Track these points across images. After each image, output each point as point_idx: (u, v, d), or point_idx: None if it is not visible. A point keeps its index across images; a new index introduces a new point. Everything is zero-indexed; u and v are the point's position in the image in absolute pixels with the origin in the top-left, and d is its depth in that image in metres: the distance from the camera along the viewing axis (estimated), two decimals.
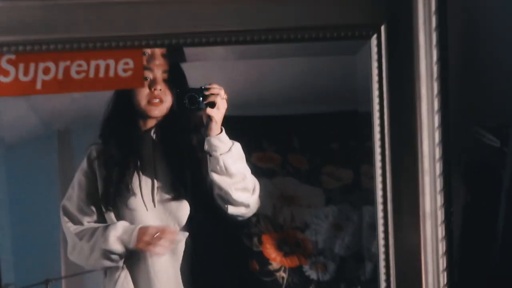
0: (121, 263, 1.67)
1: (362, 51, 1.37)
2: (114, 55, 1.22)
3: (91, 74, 1.23)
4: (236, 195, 1.65)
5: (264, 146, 3.96)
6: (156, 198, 1.66)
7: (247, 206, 1.69)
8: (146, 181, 1.68)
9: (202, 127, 1.62)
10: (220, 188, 1.62)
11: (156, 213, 1.65)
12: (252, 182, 1.71)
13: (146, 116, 1.70)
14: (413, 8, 1.21)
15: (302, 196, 3.90)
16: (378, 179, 1.19)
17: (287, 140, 3.88)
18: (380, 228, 1.22)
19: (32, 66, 1.19)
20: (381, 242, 1.21)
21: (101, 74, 1.23)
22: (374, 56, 1.21)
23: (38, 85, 1.20)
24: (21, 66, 1.18)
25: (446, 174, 1.19)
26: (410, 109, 1.18)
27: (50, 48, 1.16)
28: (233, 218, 1.69)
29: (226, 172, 1.61)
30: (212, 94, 1.60)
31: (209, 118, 1.60)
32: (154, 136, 1.70)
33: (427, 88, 1.17)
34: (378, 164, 1.20)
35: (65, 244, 3.36)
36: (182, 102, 1.61)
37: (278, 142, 3.91)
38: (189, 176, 1.71)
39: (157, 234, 1.61)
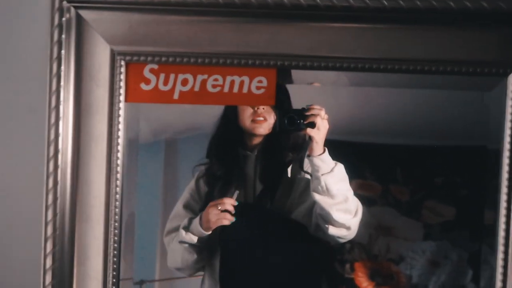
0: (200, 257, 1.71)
1: (497, 88, 1.34)
2: (249, 72, 1.26)
3: (226, 89, 1.27)
4: (338, 216, 1.63)
5: (366, 174, 3.93)
6: None
7: (348, 228, 1.67)
8: (246, 199, 1.71)
9: (303, 147, 1.64)
10: (322, 209, 1.62)
11: None
12: (355, 205, 1.70)
13: (251, 134, 1.73)
14: None
15: (400, 228, 3.82)
16: (502, 219, 1.16)
17: (389, 170, 3.83)
18: (500, 262, 1.17)
19: (172, 76, 1.25)
20: (499, 277, 1.16)
21: (235, 89, 1.27)
22: (510, 95, 1.17)
23: (176, 95, 1.25)
24: (162, 76, 1.24)
25: None
26: None
27: (190, 61, 1.21)
28: (334, 240, 1.68)
29: (327, 193, 1.60)
30: (312, 114, 1.61)
31: (310, 138, 1.61)
32: (258, 155, 1.73)
33: None
34: (503, 204, 1.16)
35: (161, 249, 3.47)
36: (283, 123, 1.63)
37: (381, 172, 3.86)
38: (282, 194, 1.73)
39: (219, 205, 1.62)
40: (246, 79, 1.20)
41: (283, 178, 1.70)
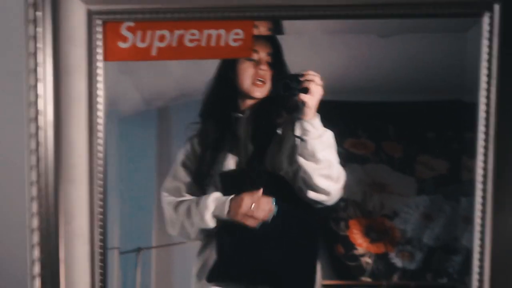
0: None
1: (473, 29, 1.33)
2: (225, 26, 1.26)
3: (203, 43, 1.27)
4: (319, 181, 1.64)
5: (358, 132, 3.93)
6: None
7: (327, 193, 1.68)
8: (238, 159, 1.71)
9: (297, 111, 1.63)
10: (305, 172, 1.63)
11: None
12: (338, 172, 1.70)
13: (247, 97, 1.72)
14: None
15: (393, 184, 3.84)
16: (480, 165, 1.16)
17: (382, 127, 3.84)
18: (478, 221, 1.18)
19: (149, 33, 1.24)
20: (477, 228, 1.18)
21: (213, 43, 1.27)
22: (486, 35, 1.17)
23: (153, 52, 1.25)
24: (139, 33, 1.24)
25: None
26: None
27: (166, 17, 1.21)
28: (312, 204, 1.68)
29: (313, 157, 1.61)
30: (306, 80, 1.61)
31: (303, 103, 1.61)
32: (249, 117, 1.73)
33: None
34: (480, 150, 1.17)
35: (158, 216, 3.49)
36: (278, 88, 1.63)
37: (373, 129, 3.87)
38: (274, 158, 1.72)
39: (253, 205, 1.63)
40: (223, 32, 1.20)
41: (273, 139, 1.71)
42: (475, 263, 1.18)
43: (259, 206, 1.59)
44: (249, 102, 1.72)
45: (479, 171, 1.15)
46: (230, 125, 1.73)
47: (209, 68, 1.76)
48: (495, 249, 1.18)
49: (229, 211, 1.62)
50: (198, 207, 1.66)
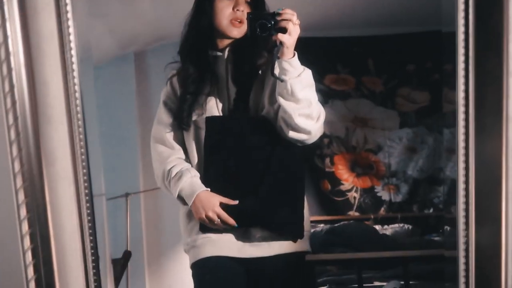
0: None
1: None
2: None
3: None
4: (299, 120, 1.61)
5: (338, 68, 3.93)
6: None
7: (308, 133, 1.65)
8: (220, 100, 1.68)
9: (274, 51, 1.60)
10: (285, 112, 1.61)
11: None
12: (318, 110, 1.67)
13: (224, 36, 1.69)
14: None
15: (376, 118, 3.87)
16: (461, 80, 1.16)
17: (361, 62, 3.84)
18: (461, 137, 1.19)
19: None
20: (461, 144, 1.18)
21: None
22: None
23: None
24: None
25: None
26: (497, 9, 1.13)
27: None
28: (293, 143, 1.67)
29: (292, 97, 1.58)
30: (283, 19, 1.57)
31: (281, 43, 1.57)
32: (228, 56, 1.70)
33: None
34: (461, 65, 1.16)
35: (143, 160, 3.50)
36: (254, 28, 1.58)
37: (352, 64, 3.87)
38: (256, 97, 1.70)
39: (217, 221, 1.64)
40: None
41: (255, 80, 1.68)
42: (460, 192, 1.18)
43: (224, 221, 1.60)
44: (227, 41, 1.68)
45: (461, 100, 1.14)
46: (209, 64, 1.69)
47: (181, 9, 1.72)
48: (479, 176, 1.18)
49: (192, 206, 1.63)
50: (177, 181, 1.65)
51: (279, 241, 1.62)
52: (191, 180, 1.60)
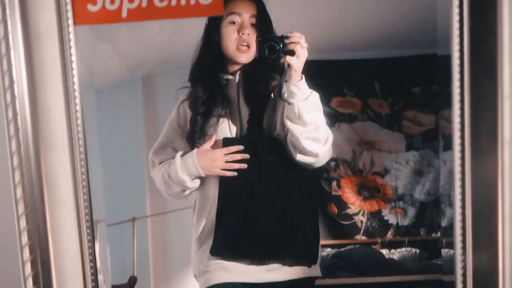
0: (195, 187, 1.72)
1: None
2: None
3: (173, 2, 1.25)
4: (306, 143, 1.62)
5: (345, 91, 3.94)
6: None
7: (315, 156, 1.66)
8: (233, 123, 1.70)
9: (283, 74, 1.61)
10: (292, 135, 1.62)
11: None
12: (325, 134, 1.68)
13: (233, 62, 1.70)
14: None
15: (382, 141, 3.86)
16: (456, 105, 1.17)
17: (367, 84, 3.85)
18: (457, 161, 1.19)
19: None
20: (458, 169, 1.18)
21: (183, 2, 1.25)
22: None
23: (124, 14, 1.24)
24: None
25: None
26: (491, 33, 1.14)
27: None
28: (301, 166, 1.67)
29: (299, 120, 1.59)
30: (292, 42, 1.59)
31: (289, 66, 1.59)
32: (239, 80, 1.71)
33: (510, 12, 1.12)
34: (456, 90, 1.17)
35: (150, 185, 3.50)
36: (263, 50, 1.60)
37: (359, 87, 3.88)
38: (267, 120, 1.71)
39: (226, 158, 1.62)
40: None
41: (268, 103, 1.69)
42: (457, 216, 1.19)
43: (234, 156, 1.58)
44: (237, 66, 1.70)
45: (456, 125, 1.15)
46: (220, 86, 1.71)
47: (188, 33, 1.75)
48: (475, 200, 1.19)
49: (199, 165, 1.62)
50: (170, 169, 1.65)
51: (294, 267, 1.62)
52: (181, 154, 1.62)
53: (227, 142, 1.59)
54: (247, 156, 1.55)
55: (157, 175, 1.70)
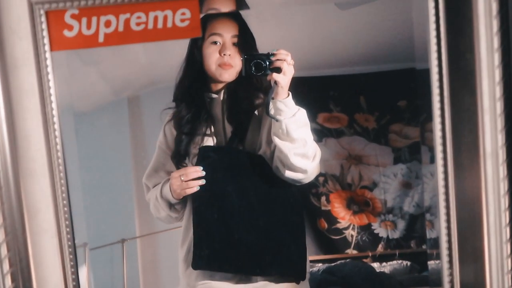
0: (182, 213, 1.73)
1: None
2: (171, 6, 1.25)
3: (150, 25, 1.25)
4: (295, 160, 1.62)
5: (331, 106, 3.96)
6: None
7: (304, 172, 1.66)
8: (218, 141, 1.70)
9: (269, 91, 1.62)
10: (280, 151, 1.62)
11: None
12: (313, 149, 1.68)
13: (216, 81, 1.71)
14: None
15: (370, 155, 3.87)
16: (437, 119, 1.17)
17: (353, 99, 3.86)
18: (440, 169, 1.20)
19: (94, 19, 1.22)
20: (441, 183, 1.19)
21: (160, 25, 1.25)
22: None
23: (101, 39, 1.23)
24: (84, 20, 1.22)
25: (508, 112, 1.16)
26: (469, 48, 1.15)
27: (110, 2, 1.20)
28: (290, 183, 1.67)
29: (287, 137, 1.59)
30: (278, 59, 1.59)
31: (276, 83, 1.59)
32: (224, 98, 1.72)
33: (486, 26, 1.13)
34: (436, 105, 1.18)
35: (139, 206, 3.50)
36: (249, 68, 1.61)
37: (345, 102, 3.89)
38: (252, 137, 1.71)
39: (182, 176, 1.62)
40: (169, 13, 1.18)
41: (251, 120, 1.70)
42: (443, 230, 1.19)
43: (187, 175, 1.58)
44: (220, 84, 1.71)
45: (438, 139, 1.15)
46: (205, 106, 1.72)
47: (173, 54, 1.75)
48: (460, 214, 1.19)
49: (170, 192, 1.63)
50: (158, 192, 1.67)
51: (282, 283, 1.61)
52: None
53: (202, 150, 1.60)
54: (202, 173, 1.55)
55: (151, 198, 1.69)
